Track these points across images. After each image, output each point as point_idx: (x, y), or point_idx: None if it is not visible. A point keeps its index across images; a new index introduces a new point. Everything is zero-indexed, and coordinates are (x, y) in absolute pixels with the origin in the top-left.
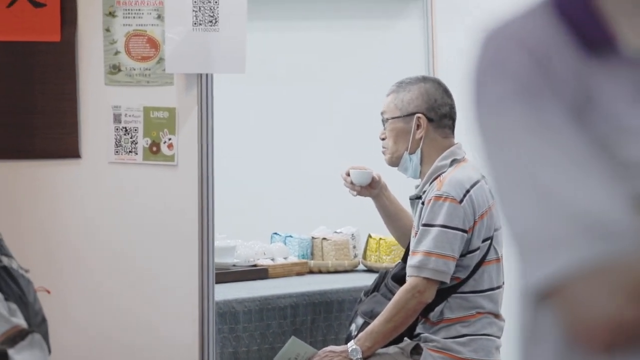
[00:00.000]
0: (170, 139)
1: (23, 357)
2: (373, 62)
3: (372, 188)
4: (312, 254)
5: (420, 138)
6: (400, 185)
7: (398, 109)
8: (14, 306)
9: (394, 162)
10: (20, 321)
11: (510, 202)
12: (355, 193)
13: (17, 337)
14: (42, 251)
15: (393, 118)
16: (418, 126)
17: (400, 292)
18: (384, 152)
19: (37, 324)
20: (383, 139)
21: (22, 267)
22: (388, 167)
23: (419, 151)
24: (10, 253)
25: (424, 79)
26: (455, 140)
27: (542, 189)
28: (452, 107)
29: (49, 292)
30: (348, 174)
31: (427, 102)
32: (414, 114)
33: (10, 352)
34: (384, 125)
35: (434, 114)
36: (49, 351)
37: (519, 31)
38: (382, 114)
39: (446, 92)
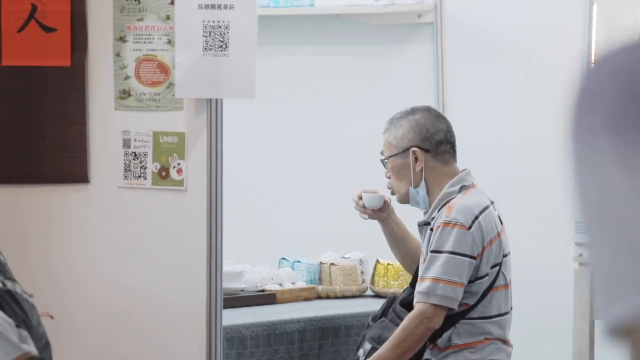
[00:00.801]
0: (179, 164)
1: None
2: (383, 87)
3: (381, 212)
4: (320, 279)
5: (421, 170)
6: (408, 210)
7: (394, 147)
8: (25, 333)
9: (404, 199)
10: (30, 348)
11: (597, 240)
12: (366, 217)
13: None
14: (48, 276)
15: (391, 156)
16: (416, 159)
17: (408, 318)
18: (392, 192)
19: (41, 348)
20: (389, 177)
21: (25, 291)
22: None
23: (422, 183)
24: (13, 277)
25: (413, 111)
26: (462, 166)
27: (630, 235)
28: (447, 132)
29: (52, 317)
30: (360, 197)
31: (420, 134)
32: (409, 148)
33: None
34: (384, 165)
35: (428, 143)
36: None
37: (619, 64)
38: (381, 153)
39: (438, 118)
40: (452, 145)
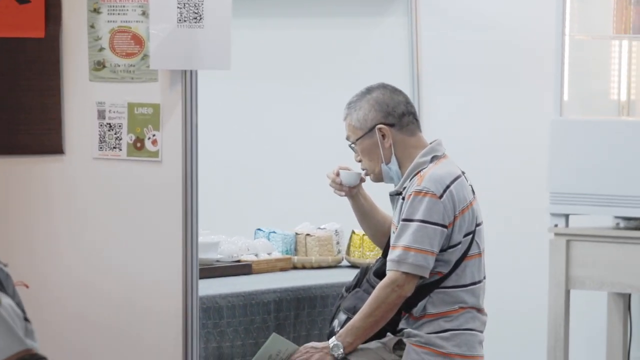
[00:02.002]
0: (154, 135)
1: None
2: (358, 59)
3: (353, 188)
4: (295, 249)
5: (390, 145)
6: (378, 184)
7: (358, 129)
8: (31, 327)
9: (379, 178)
10: (34, 344)
11: None
12: (343, 194)
13: None
14: (24, 246)
15: (358, 139)
16: (383, 136)
17: (380, 286)
18: (366, 174)
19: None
20: (360, 161)
21: (0, 261)
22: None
23: (393, 158)
24: None
25: (369, 91)
26: (436, 137)
27: None
28: (406, 103)
29: (27, 286)
30: (337, 174)
31: (381, 110)
32: (374, 127)
33: None
34: (353, 150)
35: (391, 118)
36: None
37: None
38: (347, 139)
39: (394, 92)
40: (414, 115)
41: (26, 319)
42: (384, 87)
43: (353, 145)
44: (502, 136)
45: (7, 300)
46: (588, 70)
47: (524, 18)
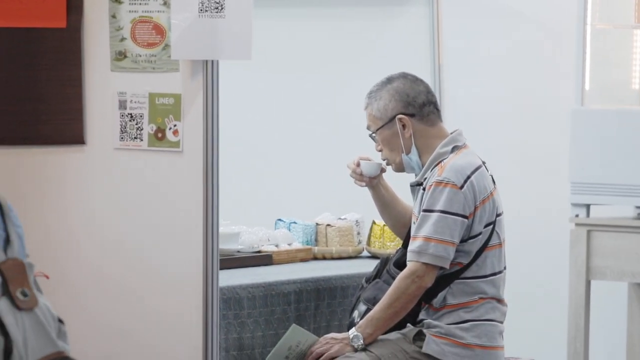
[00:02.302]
0: (175, 125)
1: None
2: (379, 49)
3: (374, 178)
4: (316, 240)
5: (410, 136)
6: (399, 174)
7: (379, 119)
8: (64, 329)
9: (400, 168)
10: (65, 347)
11: None
12: (364, 184)
13: None
14: (44, 237)
15: (378, 129)
16: (404, 126)
17: (400, 277)
18: (387, 164)
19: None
20: (380, 151)
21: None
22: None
23: (413, 148)
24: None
25: (389, 80)
26: (458, 126)
27: None
28: (427, 93)
29: (47, 277)
30: (357, 165)
31: (401, 100)
32: (394, 117)
33: None
34: (374, 139)
35: (412, 108)
36: None
37: None
38: (368, 129)
39: (415, 81)
40: (435, 105)
41: (60, 320)
42: (404, 76)
43: (374, 135)
44: (524, 126)
45: (42, 301)
46: (609, 59)
47: (545, 7)
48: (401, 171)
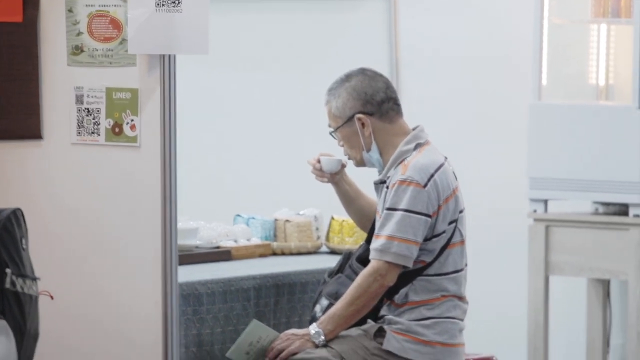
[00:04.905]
0: (132, 120)
1: None
2: (337, 43)
3: (335, 174)
4: (275, 235)
5: (370, 134)
6: (361, 169)
7: (338, 117)
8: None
9: (360, 164)
10: None
11: None
12: (326, 180)
13: None
14: None
15: (338, 128)
16: (363, 125)
17: (362, 275)
18: (349, 159)
19: (28, 345)
20: (342, 147)
21: (33, 277)
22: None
23: (374, 145)
24: (25, 272)
25: (348, 78)
26: (417, 122)
27: None
28: (386, 89)
29: (52, 297)
30: (318, 161)
31: (359, 99)
32: (353, 116)
33: None
34: (334, 137)
35: (370, 106)
36: None
37: None
38: (329, 126)
39: (373, 78)
40: (395, 100)
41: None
42: (363, 73)
43: (334, 133)
44: (482, 120)
45: None
46: (566, 54)
47: (503, 2)
48: (362, 166)
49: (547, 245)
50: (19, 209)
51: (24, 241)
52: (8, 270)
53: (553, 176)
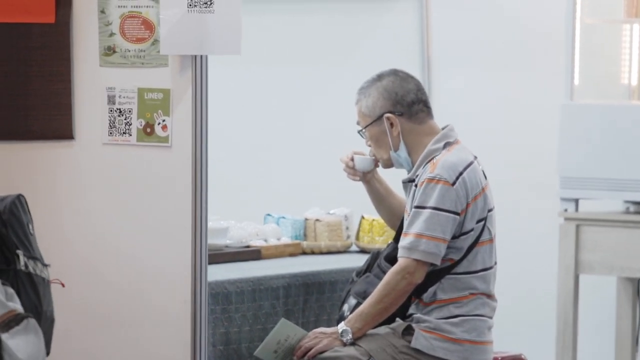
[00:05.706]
0: (164, 121)
1: (17, 342)
2: (369, 43)
3: (367, 173)
4: (305, 235)
5: (398, 134)
6: (392, 169)
7: (367, 116)
8: (10, 290)
9: (388, 164)
10: (16, 305)
11: None
12: (357, 178)
13: (11, 321)
14: (35, 231)
15: (367, 126)
16: (391, 124)
17: (391, 273)
18: (377, 160)
19: (46, 328)
20: (370, 146)
21: (43, 263)
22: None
23: (402, 145)
24: (35, 254)
25: (379, 77)
26: (448, 120)
27: None
28: (417, 91)
29: (63, 285)
30: (351, 159)
31: (390, 99)
32: (382, 115)
33: (4, 336)
34: (362, 136)
35: (400, 107)
36: (48, 352)
37: None
38: (357, 124)
39: (405, 79)
40: (425, 102)
41: (4, 284)
42: (394, 73)
43: (362, 132)
44: (513, 120)
45: None
46: (599, 54)
47: (535, 1)
48: (389, 167)
49: (578, 244)
50: (22, 195)
51: (30, 226)
52: (19, 252)
53: (584, 175)
